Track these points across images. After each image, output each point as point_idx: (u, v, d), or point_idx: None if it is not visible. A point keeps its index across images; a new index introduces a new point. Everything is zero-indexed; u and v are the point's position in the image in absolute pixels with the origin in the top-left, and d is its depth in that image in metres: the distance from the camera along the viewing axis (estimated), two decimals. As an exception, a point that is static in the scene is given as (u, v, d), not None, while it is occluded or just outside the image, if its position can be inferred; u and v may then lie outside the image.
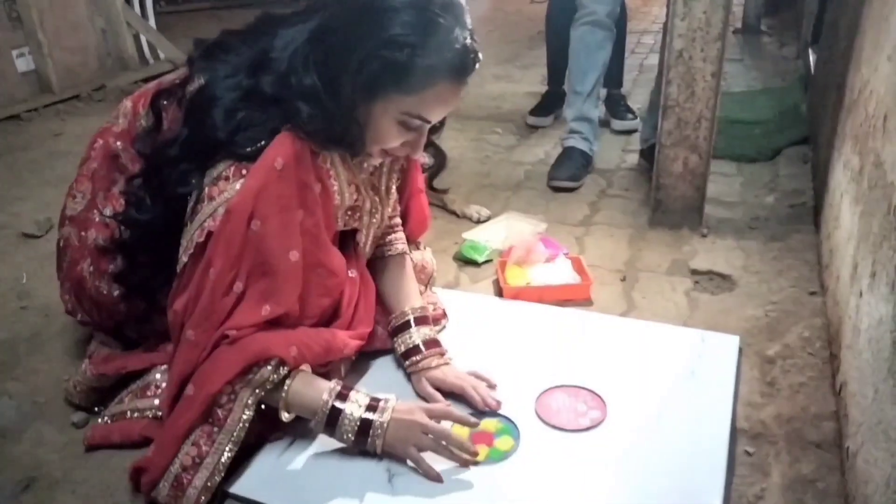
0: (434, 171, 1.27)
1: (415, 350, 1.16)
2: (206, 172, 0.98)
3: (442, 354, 1.16)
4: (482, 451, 1.00)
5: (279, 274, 0.97)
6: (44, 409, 1.16)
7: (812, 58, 2.75)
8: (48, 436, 1.10)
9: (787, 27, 4.15)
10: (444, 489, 0.95)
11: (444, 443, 0.97)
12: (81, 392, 1.15)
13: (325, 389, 0.98)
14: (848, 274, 1.19)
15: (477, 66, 0.99)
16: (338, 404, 0.97)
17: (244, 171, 0.95)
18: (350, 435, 0.97)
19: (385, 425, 0.97)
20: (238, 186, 0.95)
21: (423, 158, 1.28)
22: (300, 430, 1.04)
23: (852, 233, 1.21)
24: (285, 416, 0.99)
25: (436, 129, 1.12)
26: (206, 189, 0.97)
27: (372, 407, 0.98)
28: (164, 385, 1.08)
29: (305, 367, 1.01)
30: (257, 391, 0.95)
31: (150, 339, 1.17)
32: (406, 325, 1.18)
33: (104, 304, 1.13)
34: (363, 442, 0.98)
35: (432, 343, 1.17)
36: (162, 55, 3.68)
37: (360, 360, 1.17)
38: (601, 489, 0.94)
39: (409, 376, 1.17)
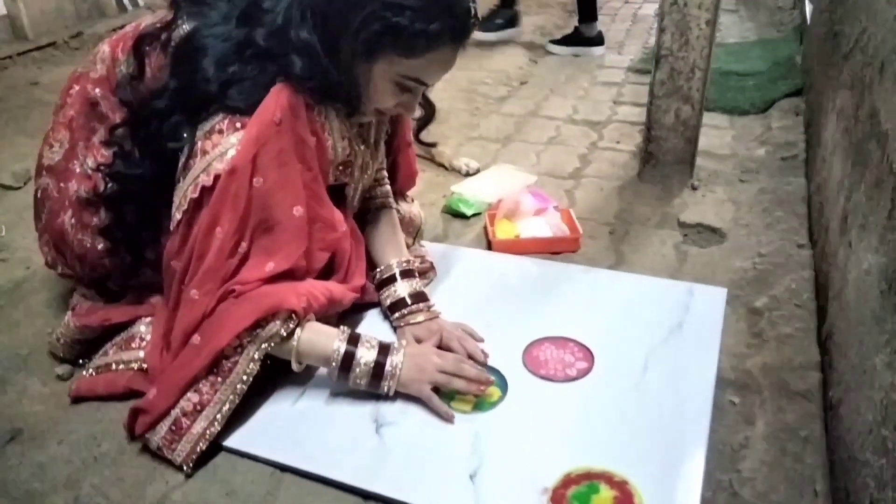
0: (422, 123, 1.24)
1: (401, 303, 1.15)
2: (198, 126, 0.95)
3: (429, 308, 1.16)
4: (469, 402, 1.01)
5: (283, 230, 0.96)
6: (27, 362, 1.15)
7: (808, 7, 2.70)
8: (32, 388, 1.09)
9: (784, -23, 4.05)
10: (431, 439, 0.95)
11: (458, 376, 0.99)
12: (65, 344, 1.13)
13: (335, 336, 0.99)
14: (838, 225, 1.18)
15: (476, 28, 0.97)
16: (350, 348, 0.97)
17: (238, 125, 0.93)
18: (364, 379, 0.98)
19: (399, 367, 0.98)
20: (233, 140, 0.92)
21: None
22: (289, 384, 1.04)
23: (843, 183, 1.20)
24: (296, 367, 0.99)
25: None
26: (199, 143, 0.94)
27: (384, 349, 0.99)
28: (148, 337, 1.07)
29: (311, 317, 1.00)
30: (264, 345, 0.95)
31: (134, 292, 1.15)
32: (392, 279, 1.17)
33: (87, 257, 1.10)
34: (376, 385, 0.98)
35: (418, 296, 1.16)
36: (141, 2, 3.55)
37: (348, 314, 1.16)
38: (588, 439, 0.95)
39: (395, 329, 1.16)
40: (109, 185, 1.04)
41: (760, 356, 1.11)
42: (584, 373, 1.07)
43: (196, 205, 0.94)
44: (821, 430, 0.96)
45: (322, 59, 0.93)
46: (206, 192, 0.93)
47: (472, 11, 0.96)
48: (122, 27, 1.14)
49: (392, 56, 0.94)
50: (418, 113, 1.22)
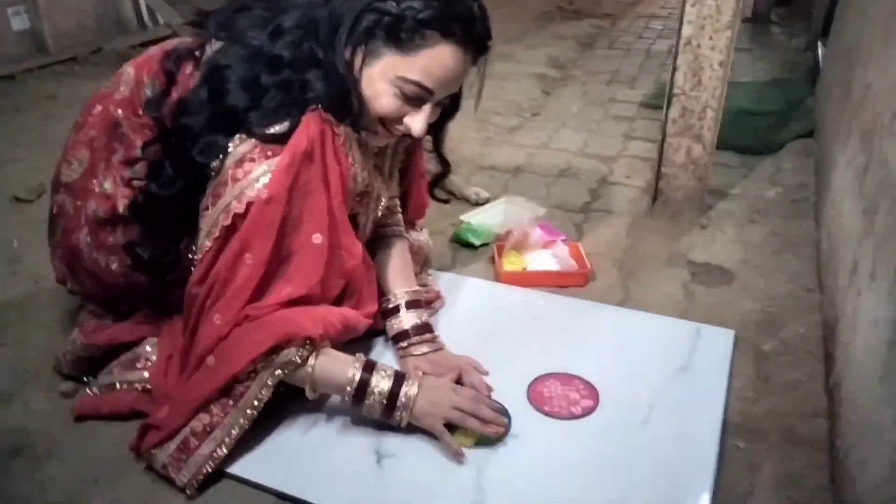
0: (436, 179, 1.26)
1: (404, 334, 1.15)
2: (229, 153, 0.95)
3: (434, 339, 1.16)
4: (472, 436, 1.00)
5: (301, 256, 0.97)
6: (33, 377, 1.15)
7: (821, 51, 2.72)
8: (37, 404, 1.10)
9: (799, 18, 4.10)
10: (431, 473, 0.95)
11: (473, 416, 0.97)
12: (71, 361, 1.14)
13: (350, 363, 0.98)
14: (847, 272, 1.18)
15: (489, 44, 0.98)
16: (365, 376, 0.97)
17: (269, 153, 0.94)
18: (377, 408, 0.97)
19: (413, 398, 0.97)
20: (265, 167, 0.93)
21: (428, 165, 1.28)
22: (296, 412, 1.04)
23: (853, 231, 1.20)
24: (311, 394, 0.98)
25: (441, 133, 1.12)
26: (230, 171, 0.94)
27: (399, 379, 0.98)
28: (153, 358, 1.08)
29: (326, 344, 1.00)
30: (278, 372, 0.95)
31: (142, 312, 1.15)
32: (397, 309, 1.17)
33: (101, 276, 1.11)
34: (389, 415, 0.97)
35: (423, 328, 1.16)
36: (161, 20, 3.61)
37: (354, 340, 1.16)
38: (590, 478, 0.94)
39: (399, 359, 1.16)
40: (140, 198, 1.03)
41: (768, 401, 1.11)
42: (588, 411, 1.06)
43: (228, 232, 0.94)
44: (828, 481, 0.95)
45: (328, 65, 0.94)
46: (238, 218, 0.94)
47: (475, 13, 0.94)
48: (142, 44, 1.15)
49: (386, 52, 0.93)
50: (434, 169, 1.23)
